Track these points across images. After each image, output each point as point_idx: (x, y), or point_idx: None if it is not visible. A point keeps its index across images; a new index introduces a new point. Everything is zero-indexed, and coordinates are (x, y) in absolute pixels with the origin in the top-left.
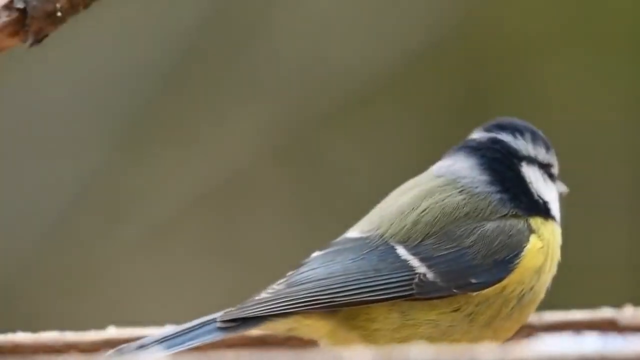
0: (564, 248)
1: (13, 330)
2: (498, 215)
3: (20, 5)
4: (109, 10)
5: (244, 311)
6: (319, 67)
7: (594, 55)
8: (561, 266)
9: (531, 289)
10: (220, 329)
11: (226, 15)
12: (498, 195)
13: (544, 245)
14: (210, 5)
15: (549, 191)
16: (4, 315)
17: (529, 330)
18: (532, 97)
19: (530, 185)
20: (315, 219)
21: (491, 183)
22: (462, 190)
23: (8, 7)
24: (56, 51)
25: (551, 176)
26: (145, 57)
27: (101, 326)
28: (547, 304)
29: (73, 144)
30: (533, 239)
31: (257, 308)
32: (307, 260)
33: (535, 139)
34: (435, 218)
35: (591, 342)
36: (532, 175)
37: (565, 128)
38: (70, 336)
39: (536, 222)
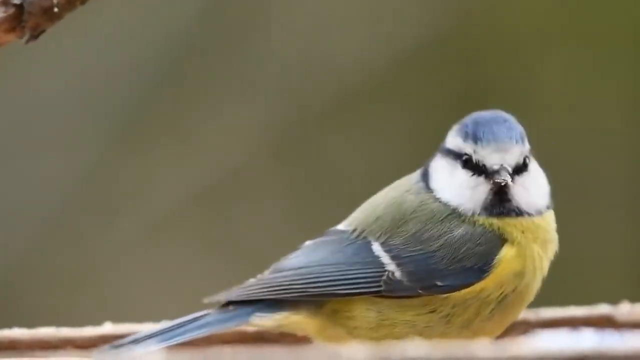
0: (561, 244)
1: (9, 326)
2: (436, 213)
3: (17, 1)
4: (105, 6)
5: (230, 295)
6: (315, 64)
7: (591, 52)
8: (558, 262)
9: (513, 290)
10: (210, 324)
11: (222, 12)
12: (425, 189)
13: (519, 253)
14: (206, 2)
15: (449, 181)
16: (0, 312)
17: (525, 327)
18: (530, 94)
19: (430, 173)
20: (312, 215)
21: (422, 179)
22: (408, 188)
23: (5, 2)
24: (52, 47)
25: (465, 164)
26: (141, 54)
27: (97, 322)
28: (544, 300)
29: (69, 141)
30: (506, 248)
31: (242, 292)
32: (299, 247)
33: (458, 129)
34: (393, 214)
35: (588, 338)
36: (437, 165)
37: (562, 124)
38: (67, 332)
39: (508, 227)
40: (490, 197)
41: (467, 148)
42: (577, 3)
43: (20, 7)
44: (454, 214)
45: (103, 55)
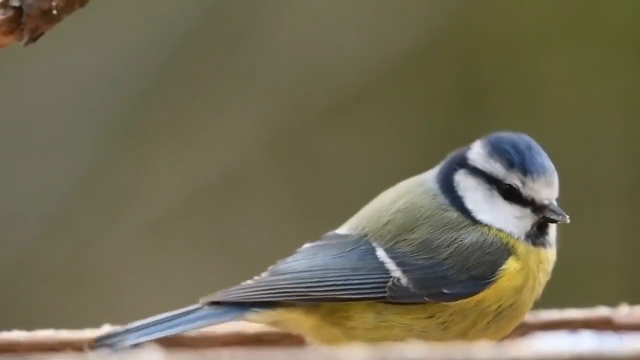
0: (561, 246)
1: (8, 328)
2: (454, 221)
3: (16, 3)
4: (104, 7)
5: (226, 295)
6: (314, 63)
7: (590, 52)
8: (557, 265)
9: (510, 305)
10: (204, 317)
11: (222, 10)
12: (442, 198)
13: (523, 267)
14: (205, 2)
15: (487, 205)
16: None
17: (524, 329)
18: (528, 94)
19: (457, 188)
20: (310, 215)
21: (440, 187)
22: (424, 193)
23: (4, 5)
24: (51, 47)
25: (507, 194)
26: (140, 53)
27: (96, 324)
28: (543, 303)
29: (68, 141)
30: (511, 260)
31: (239, 293)
32: (298, 250)
33: (494, 152)
34: (405, 219)
35: (587, 340)
36: (467, 183)
37: (561, 124)
38: (66, 334)
39: (517, 244)
40: (534, 229)
41: (514, 179)
42: (577, 3)
43: (19, 10)
44: (469, 224)
45: (102, 56)
